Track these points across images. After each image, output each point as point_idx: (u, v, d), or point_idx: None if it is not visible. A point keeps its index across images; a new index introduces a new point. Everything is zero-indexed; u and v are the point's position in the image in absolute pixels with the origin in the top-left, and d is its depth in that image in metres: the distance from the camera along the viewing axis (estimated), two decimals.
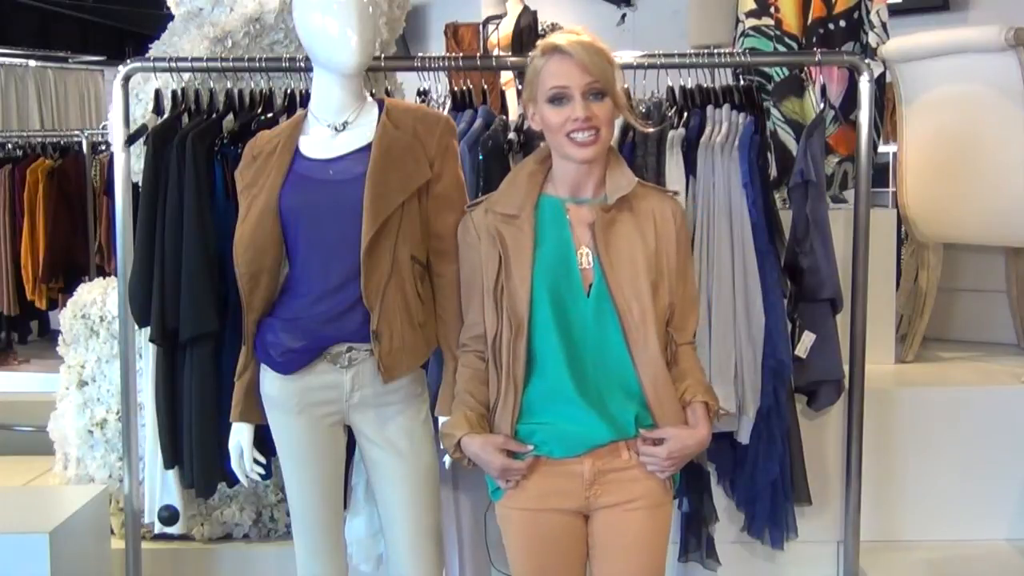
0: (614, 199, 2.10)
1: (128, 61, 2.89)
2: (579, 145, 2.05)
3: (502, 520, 2.18)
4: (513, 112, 4.77)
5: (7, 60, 9.15)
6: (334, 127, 2.31)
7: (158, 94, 2.93)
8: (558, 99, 2.05)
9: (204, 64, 2.87)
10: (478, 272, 2.15)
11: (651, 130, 2.70)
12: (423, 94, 2.99)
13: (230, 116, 2.84)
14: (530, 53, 2.14)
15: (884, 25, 3.85)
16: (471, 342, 2.20)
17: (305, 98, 2.73)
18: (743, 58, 3.00)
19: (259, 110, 2.87)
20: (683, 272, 2.16)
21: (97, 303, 3.29)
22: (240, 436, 2.41)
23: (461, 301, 2.24)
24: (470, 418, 2.13)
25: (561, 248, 2.10)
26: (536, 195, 2.14)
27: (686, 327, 2.18)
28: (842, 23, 3.87)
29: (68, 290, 5.12)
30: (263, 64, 2.86)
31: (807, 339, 2.91)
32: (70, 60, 9.89)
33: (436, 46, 8.31)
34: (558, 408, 2.08)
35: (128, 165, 2.91)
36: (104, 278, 3.61)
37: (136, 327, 2.86)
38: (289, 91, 2.90)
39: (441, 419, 2.29)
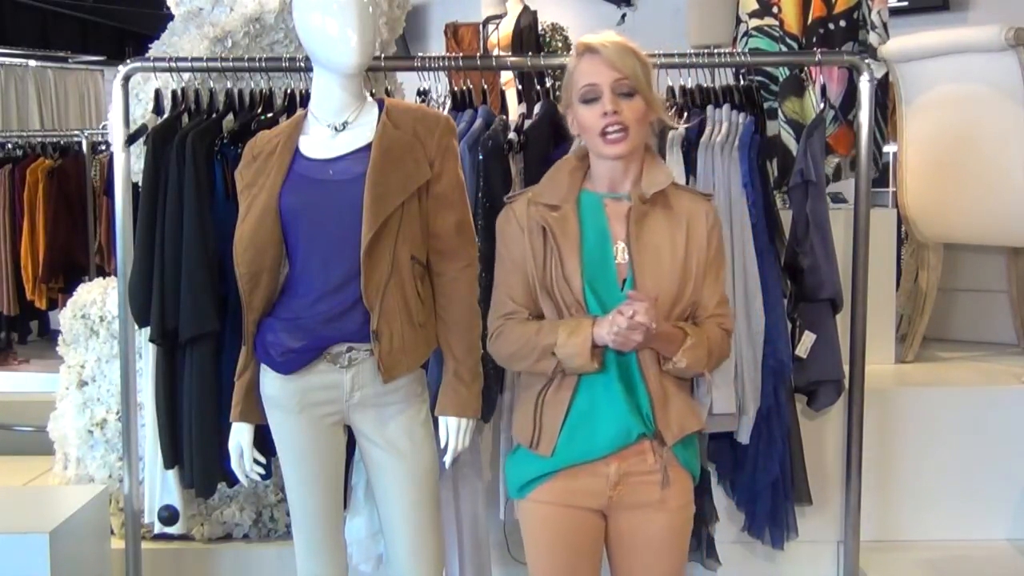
0: (650, 192, 2.13)
1: (128, 61, 2.89)
2: (609, 142, 2.08)
3: (525, 515, 2.20)
4: (513, 112, 4.77)
5: (7, 60, 9.13)
6: (334, 127, 2.31)
7: (158, 94, 2.93)
8: (589, 97, 2.09)
9: (204, 64, 2.87)
10: (519, 262, 2.16)
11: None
12: (423, 94, 2.99)
13: (230, 116, 2.85)
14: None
15: (885, 25, 3.85)
16: (511, 314, 2.17)
17: (305, 98, 2.73)
18: (743, 58, 3.00)
19: (259, 110, 2.87)
20: (714, 273, 2.17)
21: (97, 303, 3.29)
22: (240, 436, 2.41)
23: (493, 291, 2.24)
24: (572, 320, 2.08)
25: (600, 241, 2.13)
26: (577, 190, 2.18)
27: (711, 317, 2.17)
28: (842, 23, 3.87)
29: (68, 290, 5.11)
30: (263, 64, 2.86)
31: (807, 339, 2.92)
32: (70, 60, 9.88)
33: (436, 46, 8.30)
34: (598, 397, 2.10)
35: (128, 165, 2.91)
36: (104, 278, 3.61)
37: (136, 327, 2.86)
38: (289, 91, 2.90)
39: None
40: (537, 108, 2.92)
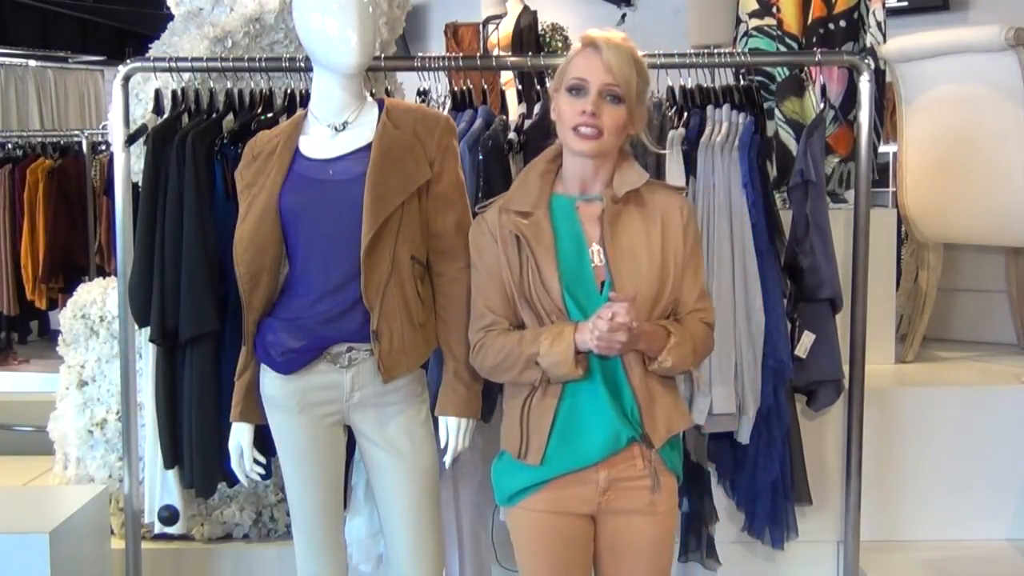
0: (622, 192, 2.10)
1: (128, 61, 2.89)
2: (580, 137, 2.05)
3: (514, 522, 2.18)
4: (513, 112, 4.77)
5: (7, 60, 9.14)
6: (334, 127, 2.31)
7: (158, 94, 2.93)
8: (575, 90, 2.06)
9: (204, 64, 2.87)
10: (495, 272, 2.14)
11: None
12: (423, 94, 2.99)
13: (230, 116, 2.85)
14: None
15: (879, 25, 3.86)
16: (491, 326, 2.15)
17: (305, 98, 2.73)
18: (743, 58, 3.00)
19: (259, 110, 2.87)
20: (693, 267, 2.15)
21: (97, 303, 3.29)
22: (240, 436, 2.41)
23: (472, 303, 2.21)
24: (554, 328, 2.05)
25: (575, 245, 2.11)
26: (548, 194, 2.15)
27: (692, 312, 2.15)
28: (842, 23, 3.87)
29: (68, 290, 5.12)
30: (263, 64, 2.86)
31: (807, 339, 2.91)
32: (70, 60, 9.89)
33: (436, 46, 8.31)
34: (584, 403, 2.08)
35: (128, 165, 2.91)
36: (104, 278, 3.61)
37: (136, 327, 2.86)
38: (289, 91, 2.90)
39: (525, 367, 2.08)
40: (537, 108, 2.92)
